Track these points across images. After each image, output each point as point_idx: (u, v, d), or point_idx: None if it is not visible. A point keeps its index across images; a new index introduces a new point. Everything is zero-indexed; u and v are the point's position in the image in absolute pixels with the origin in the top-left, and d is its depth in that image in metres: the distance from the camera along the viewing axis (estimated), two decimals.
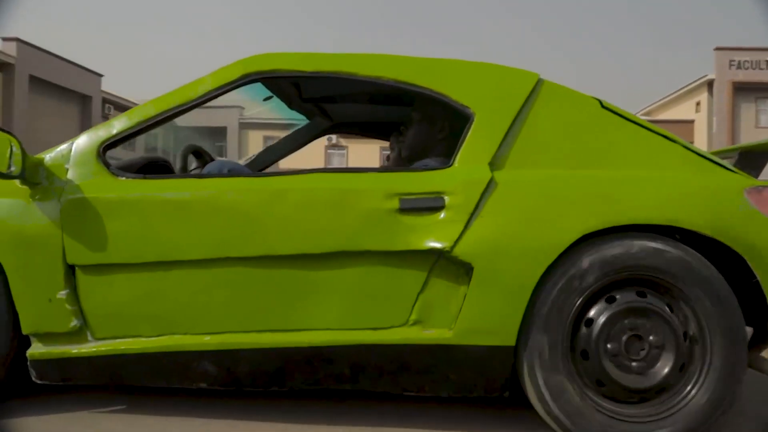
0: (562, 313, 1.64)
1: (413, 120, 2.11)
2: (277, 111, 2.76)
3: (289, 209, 1.68)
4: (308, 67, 1.84)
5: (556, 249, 1.63)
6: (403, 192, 1.69)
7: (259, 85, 2.18)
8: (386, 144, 2.83)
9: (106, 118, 26.02)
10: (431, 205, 1.68)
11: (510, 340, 1.66)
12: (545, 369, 1.63)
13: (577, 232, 1.64)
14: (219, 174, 1.81)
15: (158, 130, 29.80)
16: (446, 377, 1.71)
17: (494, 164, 1.75)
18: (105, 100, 27.45)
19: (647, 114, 29.85)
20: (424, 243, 1.66)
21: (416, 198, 1.68)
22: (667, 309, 1.66)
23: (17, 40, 22.24)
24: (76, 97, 25.75)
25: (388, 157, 2.87)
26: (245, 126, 29.51)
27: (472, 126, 1.79)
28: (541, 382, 1.63)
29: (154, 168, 2.14)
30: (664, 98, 29.48)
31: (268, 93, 2.42)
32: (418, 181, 1.71)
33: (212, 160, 2.34)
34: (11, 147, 1.64)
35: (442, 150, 2.09)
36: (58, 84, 24.25)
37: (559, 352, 1.63)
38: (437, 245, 1.65)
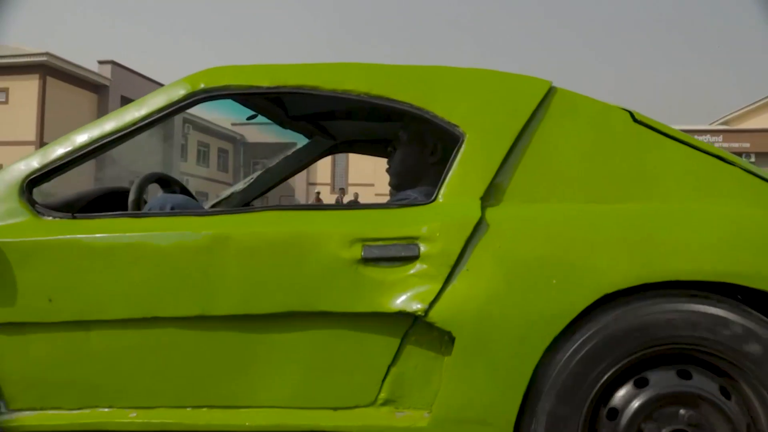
0: (574, 401, 1.23)
1: (401, 141, 1.75)
2: (269, 130, 2.47)
3: (231, 258, 1.35)
4: (265, 81, 1.51)
5: (567, 315, 1.23)
6: (368, 237, 1.33)
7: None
8: None
9: (185, 137, 26.74)
10: (401, 254, 1.31)
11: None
12: None
13: (597, 292, 1.23)
14: (159, 213, 1.52)
15: (228, 146, 30.40)
16: None
17: (488, 198, 1.37)
18: (185, 120, 28.10)
19: (725, 123, 27.51)
20: (391, 304, 1.29)
21: (383, 245, 1.32)
22: (720, 395, 1.22)
23: (112, 62, 23.29)
24: None
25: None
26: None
27: (462, 149, 1.41)
28: None
29: (117, 201, 1.88)
30: (746, 107, 27.01)
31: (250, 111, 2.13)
32: (389, 222, 1.35)
33: (183, 189, 2.06)
34: None
35: (436, 177, 1.71)
36: None
37: None
38: (408, 308, 1.28)
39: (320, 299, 1.32)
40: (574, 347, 1.23)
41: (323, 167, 27.51)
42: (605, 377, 1.23)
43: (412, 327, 1.33)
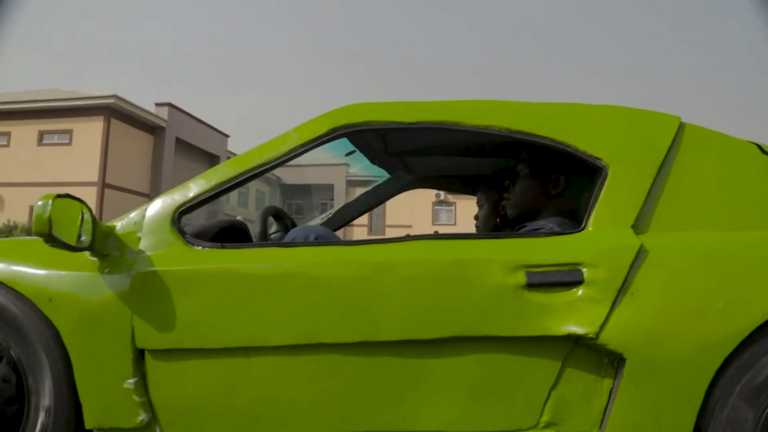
0: (746, 423, 1.26)
1: (521, 174, 1.82)
2: (356, 165, 2.55)
3: (395, 286, 1.40)
4: (407, 117, 1.59)
5: (735, 338, 1.28)
6: (530, 263, 1.38)
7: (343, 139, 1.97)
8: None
9: None
10: (566, 279, 1.36)
11: None
12: None
13: (764, 315, 1.28)
14: (306, 242, 1.57)
15: (265, 188, 30.44)
16: None
17: (638, 227, 1.43)
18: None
19: None
20: (559, 327, 1.34)
21: (547, 271, 1.38)
22: None
23: (169, 105, 23.63)
24: (206, 156, 26.70)
25: (476, 217, 2.59)
26: (352, 183, 28.63)
27: (607, 181, 1.48)
28: None
29: (230, 233, 1.93)
30: None
31: (350, 147, 2.21)
32: (546, 250, 1.41)
33: (293, 223, 2.12)
34: (83, 215, 1.46)
35: (556, 209, 1.78)
36: (194, 144, 25.38)
37: None
38: (577, 330, 1.32)
39: (485, 324, 1.36)
40: (747, 363, 1.27)
41: None
42: None
43: (573, 350, 1.37)
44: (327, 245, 1.49)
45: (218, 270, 1.46)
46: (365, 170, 2.62)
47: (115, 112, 21.34)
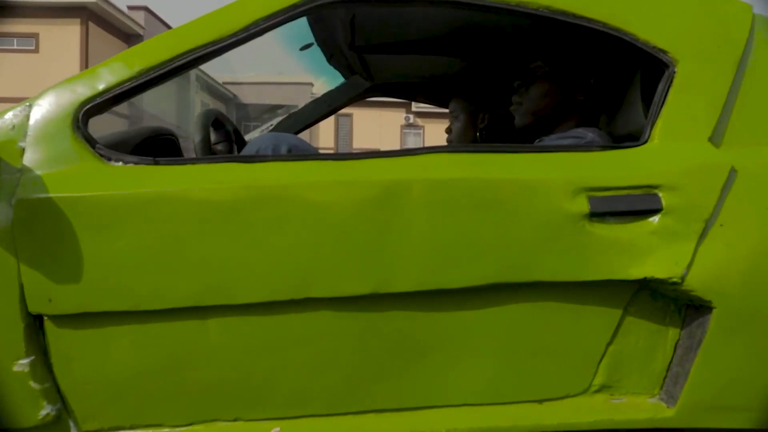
0: None
1: (538, 73, 1.44)
2: (306, 63, 2.06)
3: (414, 216, 1.01)
4: None
5: None
6: (592, 185, 1.04)
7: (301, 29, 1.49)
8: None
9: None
10: (640, 206, 1.04)
11: None
12: None
13: None
14: (279, 156, 1.12)
15: (217, 105, 26.51)
16: None
17: (716, 140, 1.12)
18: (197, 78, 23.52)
19: None
20: (631, 269, 1.03)
21: (614, 196, 1.04)
22: None
23: (145, 9, 19.49)
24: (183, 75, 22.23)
25: (448, 130, 2.21)
26: None
27: (674, 80, 1.14)
28: None
29: (155, 149, 1.42)
30: None
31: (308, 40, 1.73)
32: (610, 168, 1.07)
33: (238, 133, 1.62)
34: None
35: (579, 120, 1.44)
36: None
37: None
38: (656, 273, 1.02)
39: (535, 266, 1.02)
40: None
41: (326, 130, 25.04)
42: None
43: (636, 296, 1.08)
44: (311, 159, 1.06)
45: (154, 195, 0.99)
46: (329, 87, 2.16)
47: (93, 15, 17.52)
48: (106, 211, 0.97)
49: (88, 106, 1.04)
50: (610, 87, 1.41)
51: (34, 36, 17.33)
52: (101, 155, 1.03)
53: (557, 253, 1.02)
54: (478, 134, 2.08)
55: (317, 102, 2.23)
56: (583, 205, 1.02)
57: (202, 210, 0.98)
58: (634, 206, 1.03)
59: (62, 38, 17.37)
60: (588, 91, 1.40)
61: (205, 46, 1.08)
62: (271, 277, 0.99)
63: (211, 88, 23.50)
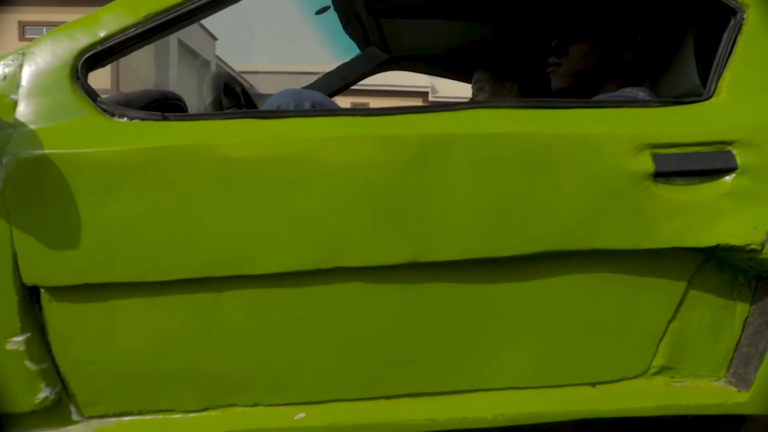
0: None
1: (579, 33, 1.32)
2: (320, 31, 1.94)
3: (457, 176, 0.89)
4: None
5: None
6: (657, 141, 0.92)
7: None
8: None
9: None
10: (712, 164, 0.92)
11: None
12: None
13: None
14: (302, 110, 1.00)
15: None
16: None
17: None
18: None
19: None
20: (701, 235, 0.91)
21: (683, 153, 0.92)
22: None
23: None
24: (191, 58, 20.75)
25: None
26: (336, 91, 24.82)
27: (743, 28, 1.02)
28: None
29: (162, 111, 1.30)
30: None
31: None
32: (676, 122, 0.95)
33: (248, 97, 1.51)
34: None
35: (622, 81, 1.32)
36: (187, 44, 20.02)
37: None
38: (731, 239, 0.90)
39: (592, 233, 0.91)
40: None
41: None
42: None
43: (702, 267, 0.96)
44: (339, 115, 0.94)
45: (162, 152, 0.88)
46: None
47: None
48: (109, 170, 0.86)
49: (88, 55, 0.93)
50: (660, 45, 1.29)
51: (59, 25, 17.24)
52: (104, 110, 0.92)
53: (617, 218, 0.90)
54: None
55: (330, 76, 2.11)
56: (647, 164, 0.91)
57: (218, 168, 0.87)
58: (705, 164, 0.91)
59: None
60: (635, 49, 1.28)
61: None
62: (295, 243, 0.87)
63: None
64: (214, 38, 23.08)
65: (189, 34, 19.79)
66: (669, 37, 1.27)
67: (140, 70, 16.30)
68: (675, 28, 1.25)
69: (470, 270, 0.92)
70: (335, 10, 1.71)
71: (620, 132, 0.92)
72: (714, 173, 0.92)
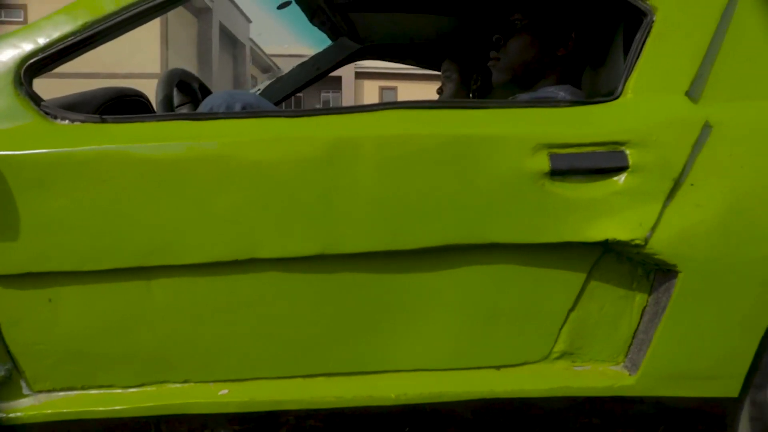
0: None
1: (519, 26, 1.36)
2: (286, 26, 1.99)
3: (366, 174, 0.96)
4: None
5: None
6: (554, 141, 0.98)
7: None
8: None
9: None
10: (604, 164, 0.98)
11: (732, 389, 1.01)
12: None
13: None
14: (231, 113, 1.08)
15: (258, 75, 24.10)
16: None
17: (694, 94, 1.05)
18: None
19: None
20: (593, 231, 0.97)
21: (578, 153, 0.98)
22: None
23: None
24: (228, 41, 19.74)
25: (440, 90, 2.14)
26: (361, 75, 23.26)
27: (653, 30, 1.07)
28: None
29: (123, 107, 1.39)
30: None
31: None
32: (574, 124, 1.01)
33: (205, 92, 1.59)
34: None
35: (559, 77, 1.36)
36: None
37: None
38: (620, 235, 0.96)
39: (492, 227, 0.98)
40: None
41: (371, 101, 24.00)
42: None
43: (600, 259, 1.02)
44: (262, 116, 1.02)
45: (98, 154, 0.96)
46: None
47: None
48: (46, 170, 0.95)
49: (30, 62, 1.01)
50: (593, 42, 1.33)
51: (22, 7, 15.62)
52: (46, 113, 1.01)
53: (515, 214, 0.97)
54: (471, 95, 2.01)
55: (304, 66, 2.17)
56: (543, 163, 0.97)
57: (144, 168, 0.96)
58: (597, 164, 0.97)
59: (51, 10, 16.66)
60: (569, 45, 1.32)
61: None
62: (214, 237, 0.96)
63: (257, 58, 22.64)
64: (249, 20, 22.43)
65: (228, 15, 19.15)
66: (602, 35, 1.31)
67: (183, 52, 15.46)
68: (607, 26, 1.29)
69: (379, 261, 0.99)
70: (297, 3, 1.76)
71: (520, 132, 0.98)
72: (606, 172, 0.98)
